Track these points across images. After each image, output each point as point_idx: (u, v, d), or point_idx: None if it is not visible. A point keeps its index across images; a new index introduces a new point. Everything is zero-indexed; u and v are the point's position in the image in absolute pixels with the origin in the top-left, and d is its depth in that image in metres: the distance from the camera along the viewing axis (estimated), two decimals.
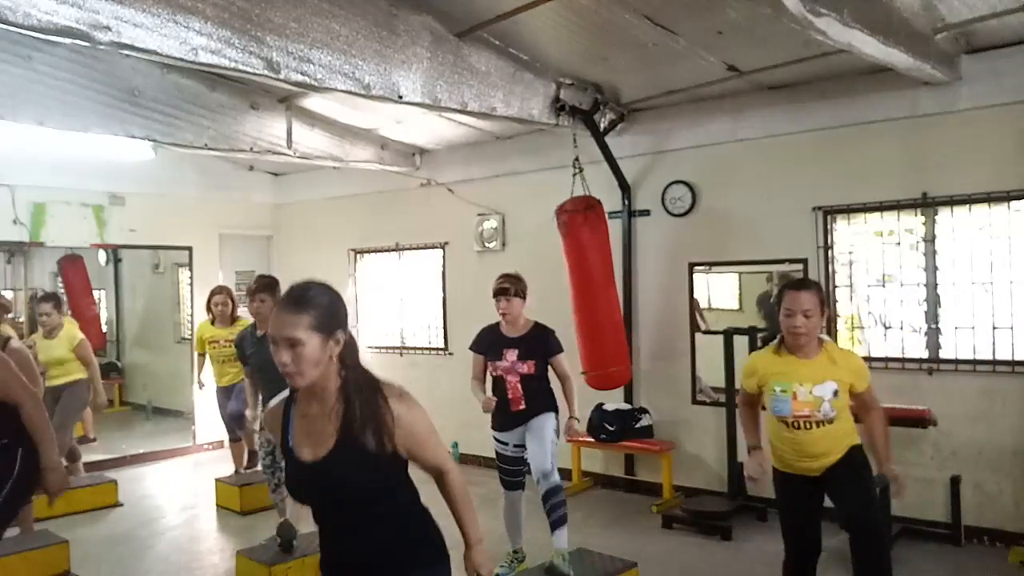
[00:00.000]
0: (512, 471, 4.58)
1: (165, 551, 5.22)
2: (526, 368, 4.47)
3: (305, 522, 4.64)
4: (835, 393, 3.26)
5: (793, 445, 3.31)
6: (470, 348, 4.70)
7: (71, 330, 6.09)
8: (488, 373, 4.59)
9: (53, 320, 6.01)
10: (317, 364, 1.96)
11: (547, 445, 4.42)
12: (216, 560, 4.97)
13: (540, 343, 4.51)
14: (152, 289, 9.87)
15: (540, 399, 4.50)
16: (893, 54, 4.14)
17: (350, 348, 2.04)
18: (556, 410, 4.54)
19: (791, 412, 3.26)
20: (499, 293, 4.50)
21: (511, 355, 4.48)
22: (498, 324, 4.60)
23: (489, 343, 4.60)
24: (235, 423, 6.31)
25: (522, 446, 4.52)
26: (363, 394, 2.00)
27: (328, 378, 2.01)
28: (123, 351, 10.17)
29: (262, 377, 4.68)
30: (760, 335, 5.44)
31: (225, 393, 6.41)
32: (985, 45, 4.70)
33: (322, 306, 1.99)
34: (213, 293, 6.58)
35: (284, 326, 1.95)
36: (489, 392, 4.56)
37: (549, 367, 4.52)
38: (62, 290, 8.87)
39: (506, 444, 4.55)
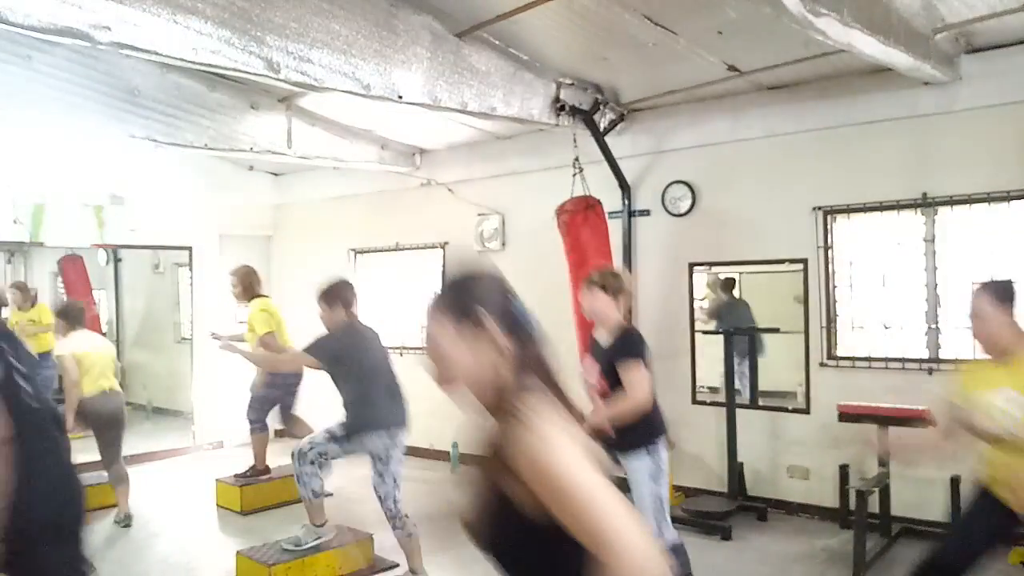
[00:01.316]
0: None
1: (165, 551, 5.22)
2: (600, 385, 3.61)
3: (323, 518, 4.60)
4: (1019, 405, 2.77)
5: (994, 462, 2.93)
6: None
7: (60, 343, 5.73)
8: None
9: (61, 331, 5.65)
10: (448, 361, 1.53)
11: (643, 505, 3.47)
12: (216, 560, 4.97)
13: (615, 351, 3.60)
14: (152, 289, 9.88)
15: (623, 429, 3.49)
16: (893, 54, 4.14)
17: (517, 343, 1.50)
18: (647, 444, 3.55)
19: (977, 424, 2.90)
20: (585, 284, 3.75)
21: (592, 368, 3.65)
22: (597, 329, 3.82)
23: (591, 348, 3.82)
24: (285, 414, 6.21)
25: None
26: (507, 414, 1.38)
27: (495, 386, 1.48)
28: (123, 351, 10.15)
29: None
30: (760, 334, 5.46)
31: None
32: (985, 45, 4.70)
33: (455, 286, 1.59)
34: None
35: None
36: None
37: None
38: (62, 290, 8.89)
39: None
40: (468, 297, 1.50)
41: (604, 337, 3.73)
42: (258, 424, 6.25)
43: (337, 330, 4.43)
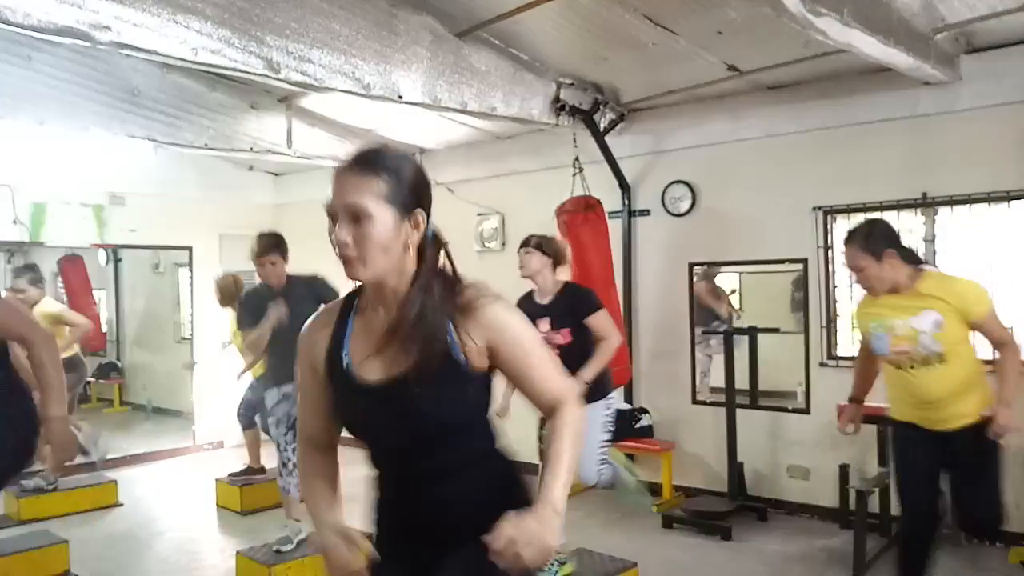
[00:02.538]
0: None
1: (165, 551, 5.22)
2: (561, 338, 3.87)
3: (300, 512, 4.61)
4: (937, 324, 2.95)
5: (906, 389, 3.08)
6: None
7: (44, 306, 5.85)
8: None
9: (31, 297, 5.76)
10: (386, 250, 1.52)
11: (591, 450, 3.80)
12: (216, 560, 4.97)
13: (569, 306, 3.93)
14: (152, 289, 9.88)
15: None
16: (893, 54, 4.14)
17: (435, 242, 1.62)
18: (605, 395, 3.95)
19: (889, 349, 3.05)
20: (521, 245, 4.11)
21: (544, 325, 3.92)
22: (532, 292, 4.13)
23: (524, 312, 4.14)
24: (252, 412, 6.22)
25: None
26: (438, 292, 1.57)
27: (402, 275, 1.57)
28: (123, 351, 10.17)
29: (274, 344, 4.40)
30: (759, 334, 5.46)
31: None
32: (985, 45, 4.70)
33: (398, 171, 1.55)
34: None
35: (347, 191, 1.50)
36: None
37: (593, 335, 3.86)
38: (62, 290, 8.88)
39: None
40: (413, 193, 1.58)
41: (545, 297, 4.07)
42: (244, 419, 6.29)
43: (301, 279, 4.65)
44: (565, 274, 4.14)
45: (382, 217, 1.51)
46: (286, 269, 4.61)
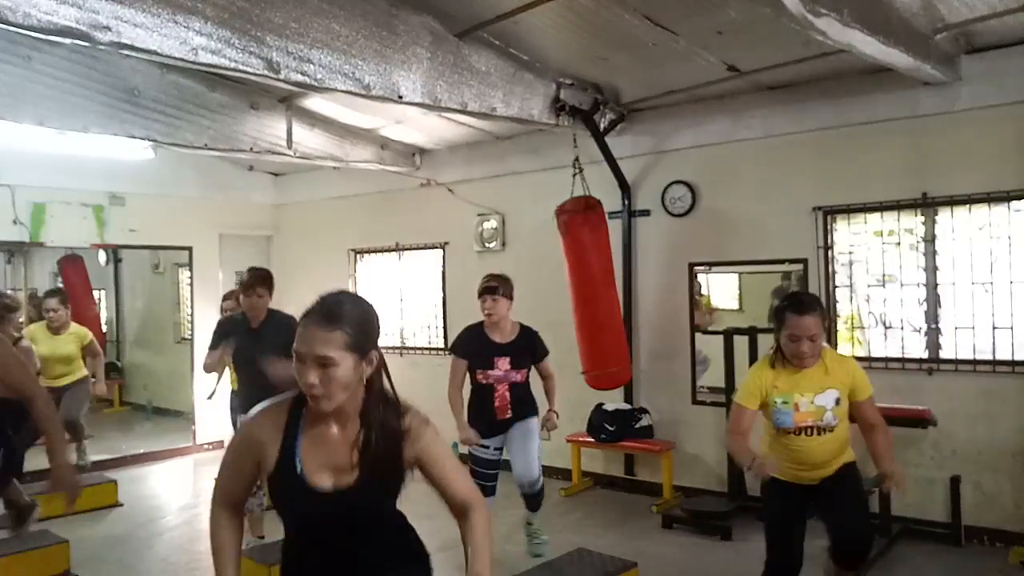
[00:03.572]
0: (489, 475, 4.48)
1: (165, 551, 5.22)
2: (519, 377, 4.41)
3: (259, 528, 4.88)
4: (836, 401, 3.23)
5: (793, 455, 3.28)
6: (451, 351, 4.59)
7: (80, 328, 6.14)
8: (468, 378, 4.45)
9: (60, 317, 6.06)
10: (347, 388, 1.79)
11: (534, 452, 4.41)
12: None
13: (529, 349, 4.46)
14: (152, 289, 9.88)
15: (525, 403, 4.48)
16: (893, 54, 4.14)
17: (381, 370, 1.89)
18: (537, 410, 4.55)
19: (793, 424, 3.23)
20: (485, 292, 4.38)
21: (503, 364, 4.38)
22: (481, 325, 4.46)
23: (477, 349, 4.44)
24: None
25: (502, 449, 4.51)
26: (384, 417, 1.87)
27: (354, 400, 1.85)
28: (123, 351, 10.17)
29: (245, 373, 4.68)
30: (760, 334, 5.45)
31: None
32: (985, 45, 4.70)
33: (357, 322, 1.81)
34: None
35: (315, 343, 1.75)
36: (466, 397, 4.48)
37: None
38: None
39: (487, 448, 4.47)
40: (370, 340, 1.86)
41: (504, 336, 4.44)
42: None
43: (277, 315, 4.73)
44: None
45: (345, 363, 1.77)
46: (268, 304, 4.76)
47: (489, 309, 4.35)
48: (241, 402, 4.83)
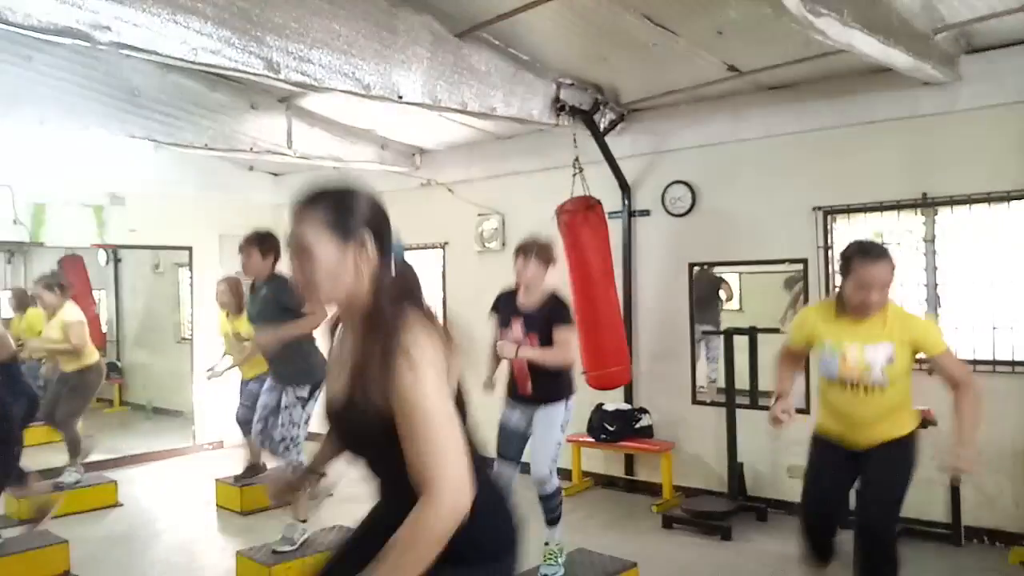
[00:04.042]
0: (506, 445, 4.21)
1: (165, 551, 5.22)
2: (528, 342, 4.07)
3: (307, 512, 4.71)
4: (889, 359, 2.96)
5: (837, 409, 3.08)
6: (490, 310, 4.39)
7: (68, 315, 6.02)
8: None
9: (45, 301, 6.05)
10: (334, 277, 1.56)
11: (549, 447, 4.08)
12: (216, 560, 4.97)
13: (547, 316, 4.06)
14: (152, 289, 9.87)
15: (548, 384, 4.08)
16: (893, 54, 4.14)
17: (386, 266, 1.60)
18: (567, 398, 4.14)
19: (838, 373, 3.03)
20: (518, 251, 4.20)
21: (517, 325, 4.12)
22: (517, 289, 4.27)
23: (503, 307, 4.27)
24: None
25: (528, 426, 4.18)
26: (376, 328, 1.53)
27: (360, 300, 1.58)
28: (123, 351, 10.16)
29: (256, 330, 4.76)
30: (759, 334, 5.45)
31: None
32: (985, 45, 4.70)
33: (342, 200, 1.58)
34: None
35: (291, 223, 1.58)
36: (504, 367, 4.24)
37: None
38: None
39: (512, 412, 4.21)
40: (354, 217, 1.58)
41: (528, 300, 4.18)
42: (247, 427, 6.22)
43: (274, 277, 4.66)
44: (552, 276, 4.30)
45: (322, 245, 1.55)
46: (264, 265, 4.73)
47: (519, 268, 4.15)
48: (275, 375, 4.87)
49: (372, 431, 1.54)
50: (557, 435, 4.14)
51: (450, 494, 1.43)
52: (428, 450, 1.44)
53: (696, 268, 6.03)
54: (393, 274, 1.63)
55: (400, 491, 1.50)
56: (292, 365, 4.62)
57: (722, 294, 6.03)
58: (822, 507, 3.22)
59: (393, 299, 1.57)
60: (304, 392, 4.60)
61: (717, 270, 6.08)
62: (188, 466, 7.74)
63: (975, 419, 2.98)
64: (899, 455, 3.10)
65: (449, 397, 1.52)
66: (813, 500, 3.25)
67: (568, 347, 4.09)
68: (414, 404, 1.46)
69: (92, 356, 6.12)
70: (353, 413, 1.57)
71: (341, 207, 1.57)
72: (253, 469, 6.17)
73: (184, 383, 8.37)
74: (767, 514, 5.45)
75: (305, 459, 4.49)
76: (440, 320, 1.62)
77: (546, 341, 4.05)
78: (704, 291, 6.09)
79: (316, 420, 4.61)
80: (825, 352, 3.08)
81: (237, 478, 6.17)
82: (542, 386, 4.10)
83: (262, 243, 4.74)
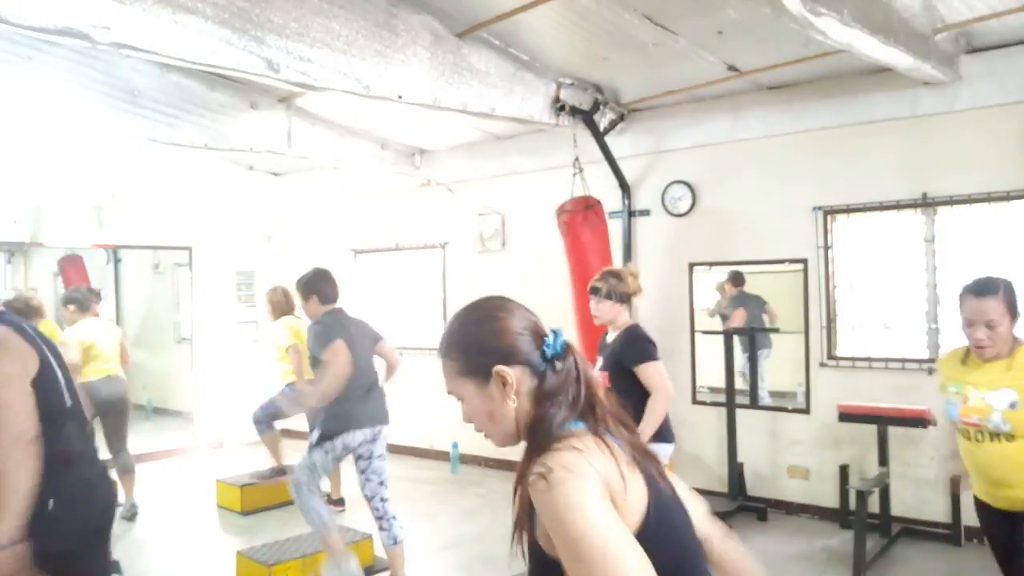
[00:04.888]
0: None
1: (165, 551, 5.22)
2: (606, 382, 3.67)
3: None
4: (1012, 404, 2.70)
5: (972, 460, 2.87)
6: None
7: (66, 331, 5.80)
8: None
9: (66, 315, 5.82)
10: (492, 417, 1.45)
11: None
12: (216, 560, 4.97)
13: (619, 352, 3.73)
14: (152, 289, 9.87)
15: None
16: (893, 54, 4.14)
17: (545, 374, 1.43)
18: (662, 439, 3.68)
19: (959, 417, 2.83)
20: (589, 292, 3.92)
21: (597, 363, 3.84)
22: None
23: (599, 342, 4.01)
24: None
25: None
26: (525, 466, 1.35)
27: (533, 424, 1.42)
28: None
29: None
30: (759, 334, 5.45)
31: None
32: (985, 45, 4.71)
33: (463, 342, 1.50)
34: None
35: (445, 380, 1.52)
36: None
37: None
38: (62, 291, 8.88)
39: None
40: (482, 355, 1.46)
41: (612, 335, 3.88)
42: (262, 424, 6.19)
43: (323, 321, 4.29)
44: (642, 306, 3.95)
45: (467, 393, 1.47)
46: (308, 307, 4.41)
47: (592, 311, 3.90)
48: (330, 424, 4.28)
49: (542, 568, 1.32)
50: None
51: None
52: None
53: (696, 268, 6.02)
54: (556, 382, 1.43)
55: None
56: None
57: (765, 317, 5.92)
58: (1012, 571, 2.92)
59: (548, 413, 1.40)
60: (313, 438, 4.20)
61: (717, 270, 6.07)
62: (188, 466, 7.74)
63: None
64: None
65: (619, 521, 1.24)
66: (1001, 564, 2.95)
67: (656, 385, 3.65)
68: (561, 528, 1.21)
69: (87, 375, 5.64)
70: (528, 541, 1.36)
71: (466, 349, 1.48)
72: (279, 471, 6.10)
73: (184, 383, 8.37)
74: (767, 514, 5.45)
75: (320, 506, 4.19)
76: (612, 440, 1.37)
77: (622, 381, 3.66)
78: (753, 312, 5.96)
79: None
80: (949, 395, 2.90)
81: (258, 474, 6.14)
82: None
83: (300, 290, 4.45)
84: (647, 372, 3.66)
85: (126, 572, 4.84)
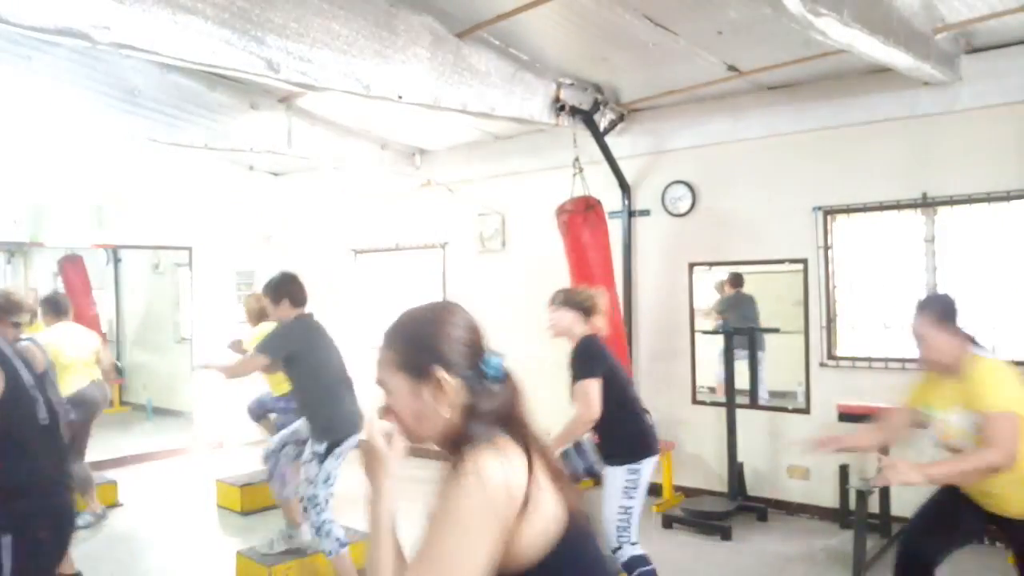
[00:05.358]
0: None
1: (165, 551, 5.22)
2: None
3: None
4: (975, 425, 2.76)
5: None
6: None
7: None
8: None
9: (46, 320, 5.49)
10: (419, 417, 1.45)
11: (607, 513, 3.54)
12: (216, 560, 4.97)
13: (570, 361, 3.66)
14: (152, 289, 9.88)
15: (603, 443, 3.65)
16: (893, 54, 4.14)
17: (480, 393, 1.43)
18: (627, 461, 3.56)
19: (938, 439, 2.94)
20: (550, 300, 3.82)
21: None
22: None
23: None
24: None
25: (589, 474, 3.85)
26: (454, 463, 1.38)
27: (455, 435, 1.43)
28: (123, 351, 10.17)
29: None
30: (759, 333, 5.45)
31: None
32: (985, 45, 4.71)
33: (409, 336, 1.48)
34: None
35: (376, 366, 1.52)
36: None
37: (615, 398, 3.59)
38: (62, 290, 8.88)
39: (574, 456, 3.78)
40: (424, 354, 1.46)
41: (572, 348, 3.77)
42: (255, 414, 6.21)
43: (286, 325, 4.26)
44: (601, 323, 3.82)
45: (399, 388, 1.47)
46: (276, 311, 4.34)
47: (549, 320, 3.78)
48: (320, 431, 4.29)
49: None
50: (615, 502, 3.56)
51: None
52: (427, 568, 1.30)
53: (696, 268, 6.02)
54: (490, 395, 1.45)
55: None
56: (309, 414, 4.27)
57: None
58: (924, 531, 3.05)
59: (472, 424, 1.41)
60: (320, 448, 4.09)
61: (717, 270, 6.07)
62: (188, 466, 7.74)
63: (953, 471, 2.84)
64: None
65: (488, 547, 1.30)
66: (916, 530, 3.08)
67: (581, 403, 3.52)
68: (437, 519, 1.32)
69: (72, 385, 5.34)
70: None
71: (410, 343, 1.48)
72: None
73: (184, 383, 8.36)
74: (767, 514, 5.45)
75: (331, 522, 4.09)
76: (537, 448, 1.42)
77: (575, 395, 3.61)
78: (746, 314, 5.95)
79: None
80: (927, 418, 3.03)
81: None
82: (602, 443, 3.67)
83: (268, 292, 4.35)
84: (579, 389, 3.54)
85: (127, 573, 4.84)
